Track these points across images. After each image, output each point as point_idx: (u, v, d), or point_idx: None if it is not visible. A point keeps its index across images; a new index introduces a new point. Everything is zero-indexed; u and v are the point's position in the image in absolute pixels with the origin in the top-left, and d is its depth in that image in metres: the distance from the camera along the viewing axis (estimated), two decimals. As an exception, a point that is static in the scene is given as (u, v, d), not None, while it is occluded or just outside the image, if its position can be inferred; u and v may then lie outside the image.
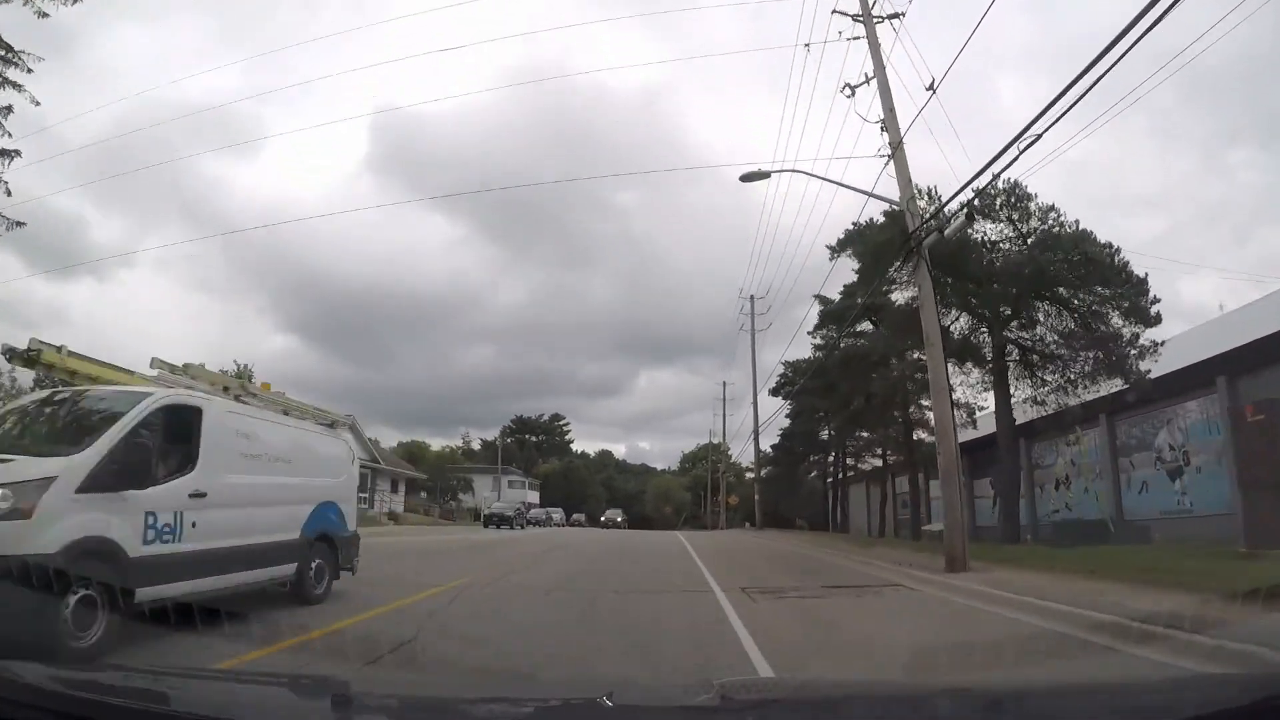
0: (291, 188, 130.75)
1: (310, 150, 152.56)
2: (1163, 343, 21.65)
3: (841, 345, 32.52)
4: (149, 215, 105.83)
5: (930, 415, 23.96)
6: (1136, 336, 22.01)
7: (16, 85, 18.89)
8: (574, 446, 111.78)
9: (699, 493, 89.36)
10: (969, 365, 26.12)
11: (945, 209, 17.10)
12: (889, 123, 16.58)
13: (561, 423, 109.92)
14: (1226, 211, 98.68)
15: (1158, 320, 21.93)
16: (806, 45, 20.06)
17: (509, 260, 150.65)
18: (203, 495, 7.51)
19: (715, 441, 77.05)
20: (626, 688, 3.59)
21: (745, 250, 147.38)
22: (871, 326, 32.13)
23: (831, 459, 48.83)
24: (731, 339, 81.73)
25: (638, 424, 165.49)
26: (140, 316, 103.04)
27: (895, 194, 16.83)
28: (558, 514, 67.97)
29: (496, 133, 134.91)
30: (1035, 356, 24.65)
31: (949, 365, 20.71)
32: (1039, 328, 24.53)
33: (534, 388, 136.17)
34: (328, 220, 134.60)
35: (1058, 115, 11.15)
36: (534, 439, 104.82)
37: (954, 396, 21.13)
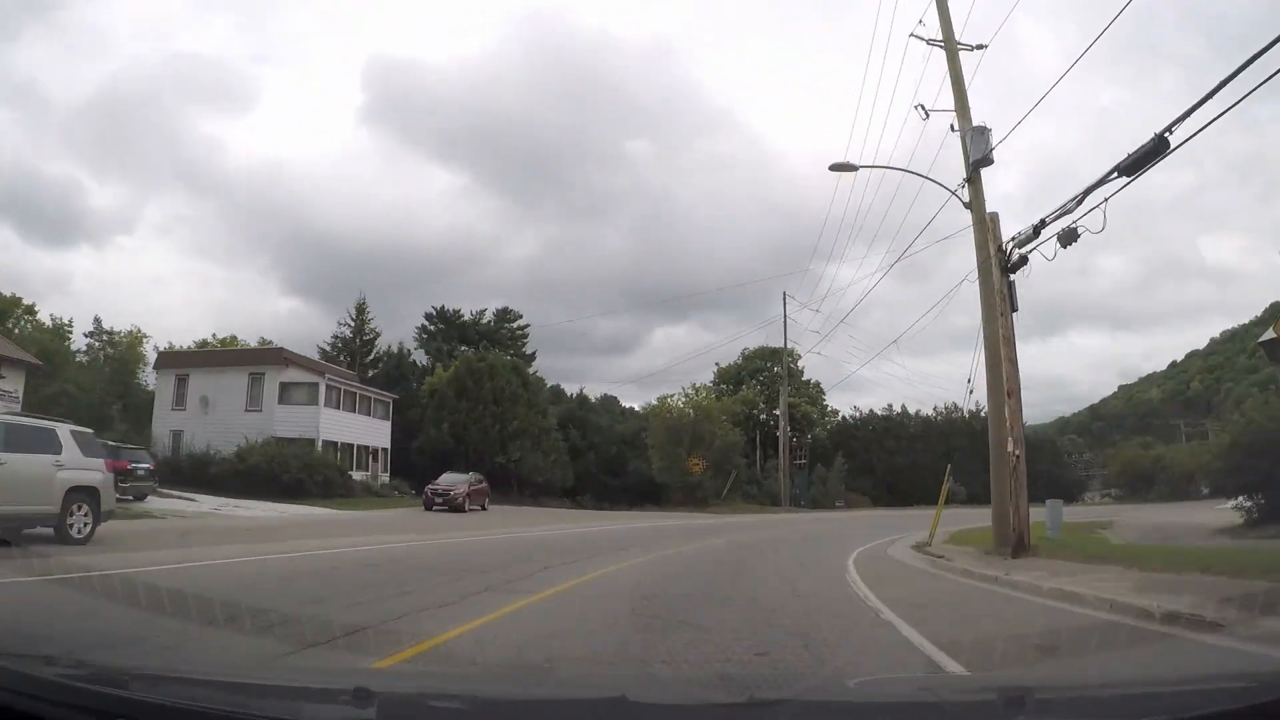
0: (291, 147, 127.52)
1: (309, 106, 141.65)
2: None
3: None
4: (146, 180, 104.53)
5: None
6: None
7: None
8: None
9: (757, 430, 64.43)
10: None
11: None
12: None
13: (514, 325, 66.09)
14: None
15: None
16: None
17: (518, 214, 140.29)
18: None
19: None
20: (646, 684, 3.75)
21: (762, 206, 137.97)
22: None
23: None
24: (751, 293, 66.69)
25: (652, 384, 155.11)
26: (142, 283, 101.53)
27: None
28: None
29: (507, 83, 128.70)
30: None
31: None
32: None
33: (544, 345, 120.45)
34: (330, 178, 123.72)
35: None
36: (466, 349, 60.07)
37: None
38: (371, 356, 60.11)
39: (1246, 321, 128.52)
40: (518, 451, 47.84)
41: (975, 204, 16.22)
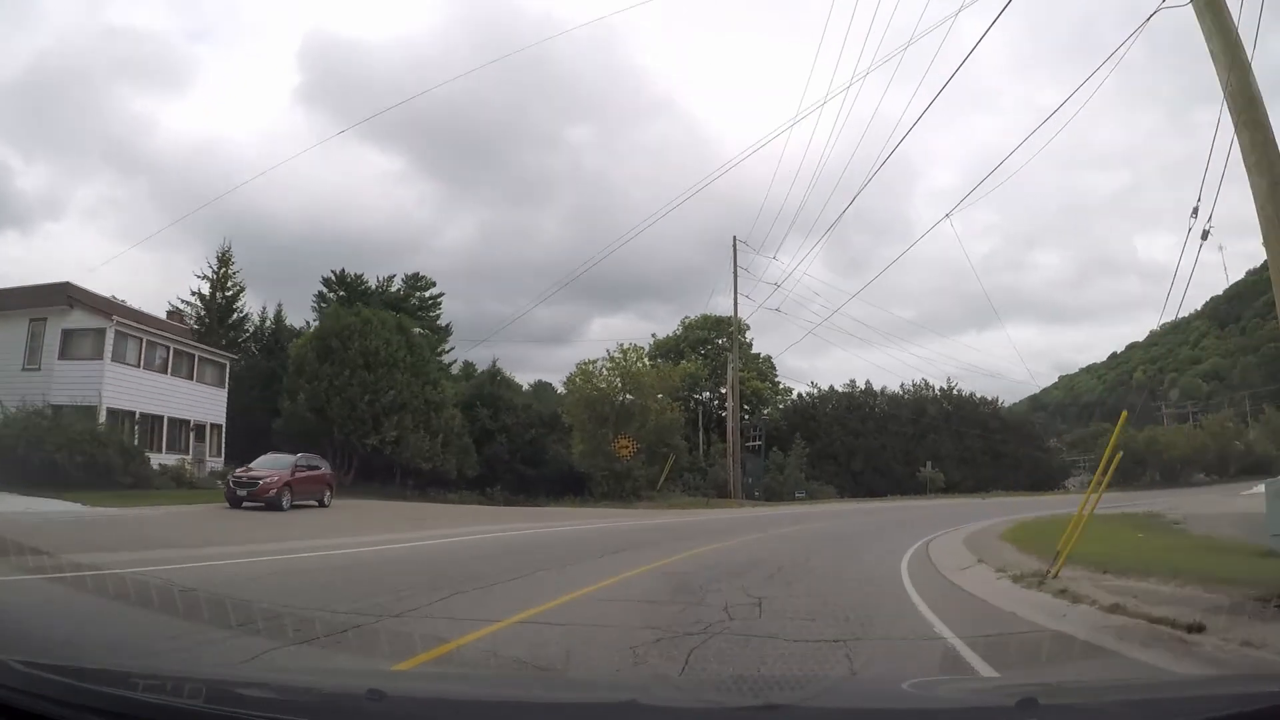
0: (226, 127, 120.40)
1: (246, 86, 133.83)
2: None
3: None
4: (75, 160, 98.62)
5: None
6: None
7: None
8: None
9: (700, 411, 54.76)
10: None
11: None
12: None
13: (426, 293, 56.78)
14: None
15: None
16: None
17: (454, 199, 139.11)
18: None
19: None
20: (659, 685, 3.80)
21: (704, 195, 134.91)
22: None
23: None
24: (691, 281, 57.85)
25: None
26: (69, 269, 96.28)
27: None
28: None
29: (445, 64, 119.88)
30: None
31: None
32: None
33: (482, 333, 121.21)
34: (263, 160, 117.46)
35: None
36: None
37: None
38: (236, 318, 48.12)
39: (1187, 315, 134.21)
40: (394, 430, 36.84)
41: None
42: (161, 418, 32.47)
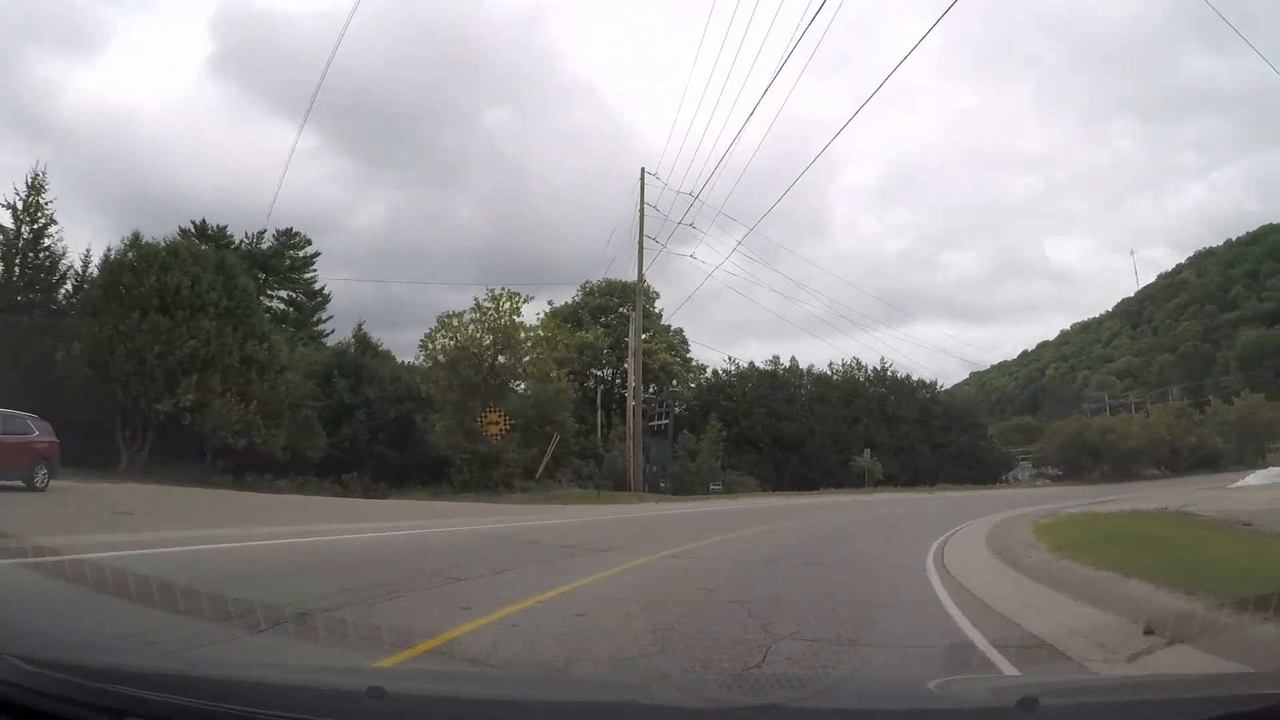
0: (135, 96, 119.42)
1: (155, 53, 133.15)
2: None
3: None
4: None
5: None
6: None
7: None
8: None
9: (599, 390, 47.72)
10: None
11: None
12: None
13: (300, 252, 48.72)
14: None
15: None
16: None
17: (368, 178, 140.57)
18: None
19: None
20: (660, 684, 3.42)
21: (617, 182, 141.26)
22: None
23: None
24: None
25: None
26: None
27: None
28: None
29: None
30: None
31: None
32: None
33: (390, 318, 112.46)
34: (174, 132, 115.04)
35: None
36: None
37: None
38: (46, 259, 37.69)
39: (1098, 315, 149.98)
40: (191, 392, 28.06)
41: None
42: None
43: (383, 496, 30.76)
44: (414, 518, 19.17)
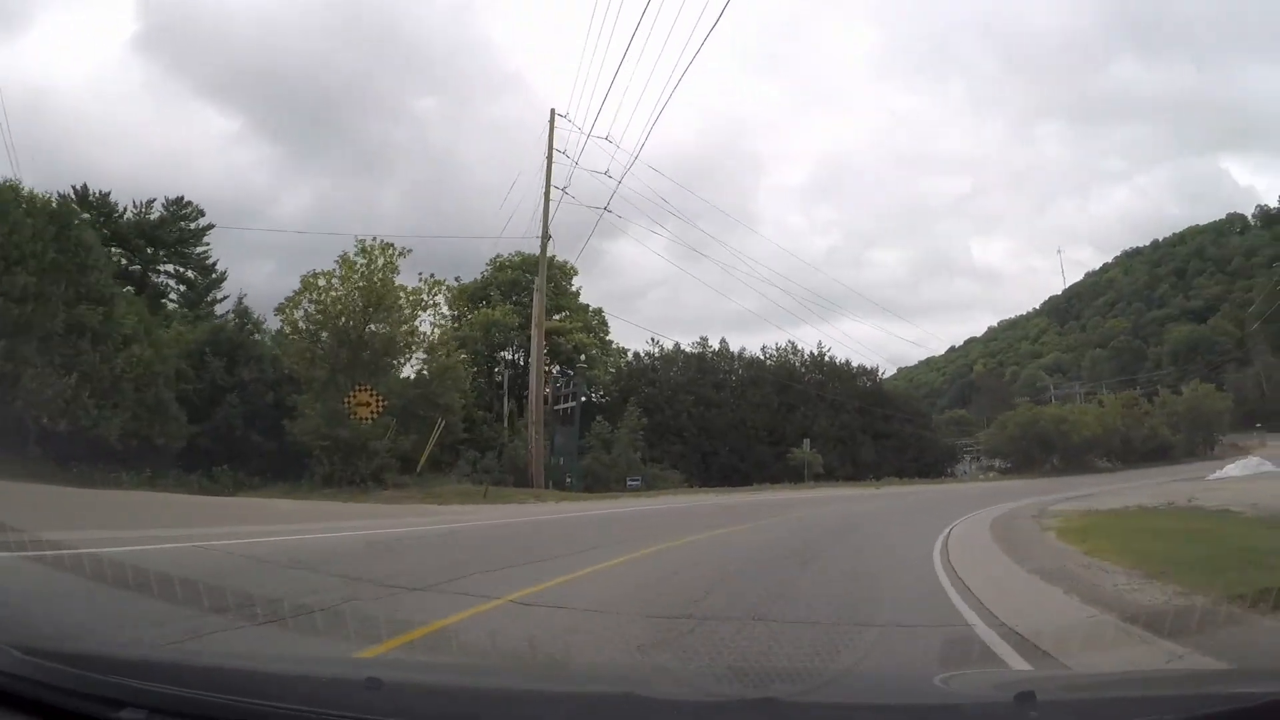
0: (54, 76, 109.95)
1: (75, 31, 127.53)
2: None
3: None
4: None
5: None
6: None
7: None
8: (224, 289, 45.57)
9: (506, 375, 42.18)
10: None
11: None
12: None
13: (192, 224, 43.23)
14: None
15: None
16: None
17: (294, 165, 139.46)
18: None
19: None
20: (659, 678, 3.44)
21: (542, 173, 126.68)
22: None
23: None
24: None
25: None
26: None
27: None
28: None
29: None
30: None
31: None
32: None
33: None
34: (93, 114, 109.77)
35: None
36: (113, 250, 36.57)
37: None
38: None
39: (1025, 313, 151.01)
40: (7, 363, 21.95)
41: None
42: None
43: (242, 496, 25.21)
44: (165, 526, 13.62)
